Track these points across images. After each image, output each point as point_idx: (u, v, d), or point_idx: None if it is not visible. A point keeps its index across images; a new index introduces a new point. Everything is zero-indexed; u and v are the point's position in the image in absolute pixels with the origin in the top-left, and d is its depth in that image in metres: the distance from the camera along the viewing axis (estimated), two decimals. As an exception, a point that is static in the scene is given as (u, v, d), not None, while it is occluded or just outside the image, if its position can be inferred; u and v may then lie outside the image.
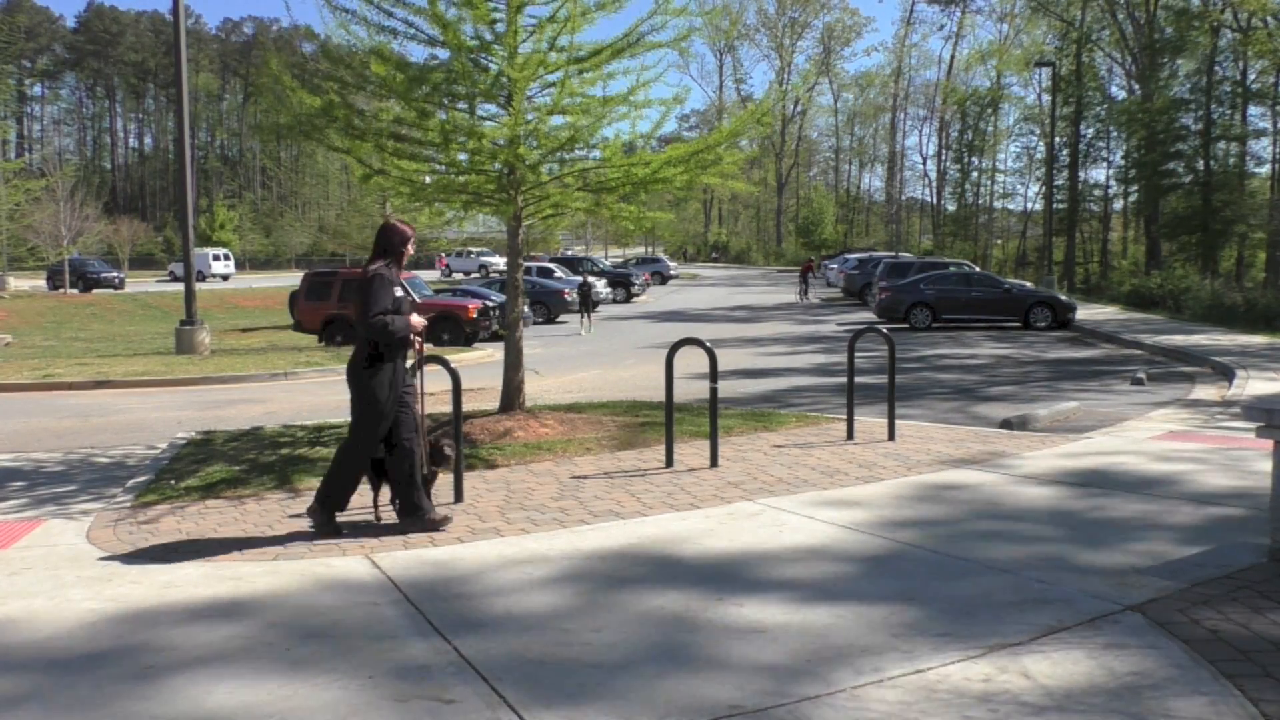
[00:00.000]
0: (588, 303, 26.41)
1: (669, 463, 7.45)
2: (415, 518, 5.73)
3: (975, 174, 69.67)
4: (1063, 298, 25.83)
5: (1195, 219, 41.26)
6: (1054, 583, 4.52)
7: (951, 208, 72.42)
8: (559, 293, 30.65)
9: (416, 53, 12.16)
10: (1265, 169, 45.89)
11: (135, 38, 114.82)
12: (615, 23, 9.00)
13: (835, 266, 44.85)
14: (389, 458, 5.77)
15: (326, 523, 5.72)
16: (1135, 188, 46.98)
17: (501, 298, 23.69)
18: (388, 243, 5.86)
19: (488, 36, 8.59)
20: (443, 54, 8.90)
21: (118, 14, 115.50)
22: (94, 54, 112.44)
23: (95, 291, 47.02)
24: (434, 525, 5.72)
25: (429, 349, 6.66)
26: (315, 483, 7.12)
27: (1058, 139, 47.36)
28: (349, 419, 5.82)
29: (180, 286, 24.61)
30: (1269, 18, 38.09)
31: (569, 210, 9.48)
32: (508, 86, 8.51)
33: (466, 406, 8.04)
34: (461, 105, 8.96)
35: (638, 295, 40.74)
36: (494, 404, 9.96)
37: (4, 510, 6.75)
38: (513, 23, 8.37)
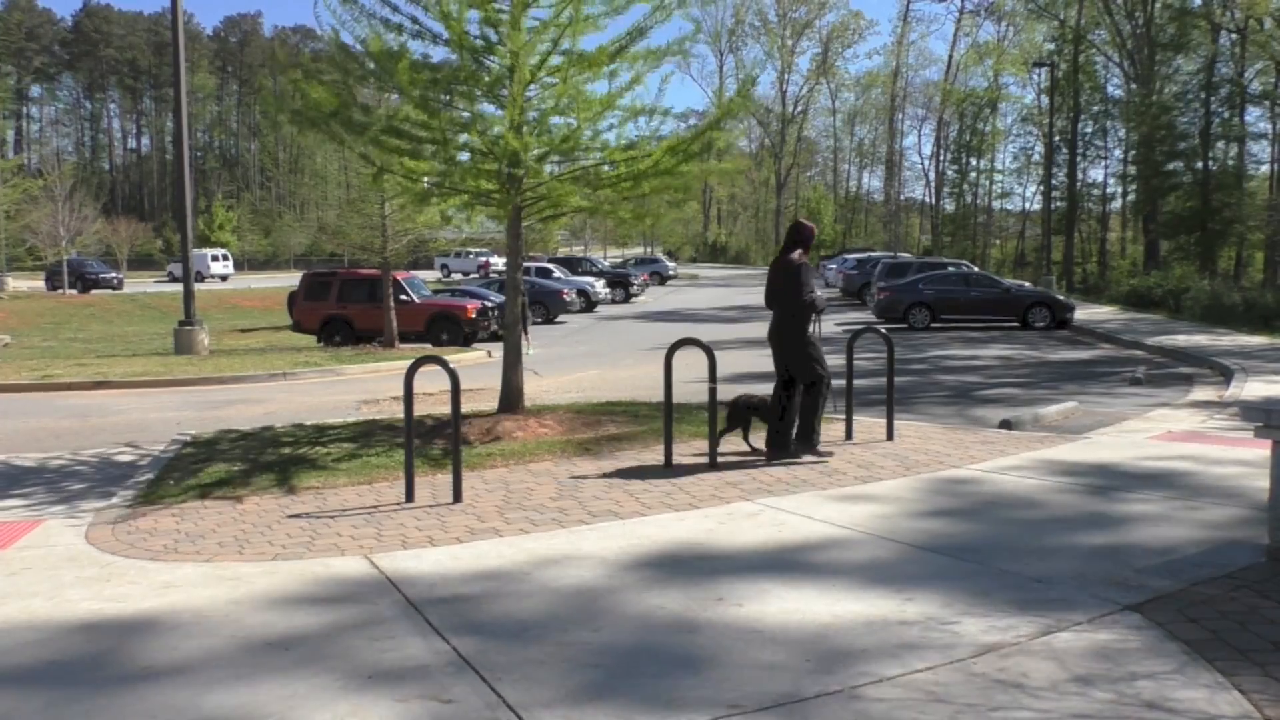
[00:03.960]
0: (527, 315, 22.45)
1: (667, 463, 7.45)
2: (808, 443, 7.50)
3: (974, 174, 69.71)
4: (1061, 298, 25.83)
5: (1194, 219, 41.27)
6: (1051, 581, 4.52)
7: (950, 208, 72.44)
8: (558, 293, 30.66)
9: (415, 49, 12.19)
10: (1264, 169, 45.96)
11: (131, 37, 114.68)
12: (619, 24, 9.02)
13: (834, 267, 44.84)
14: (805, 398, 7.50)
15: (814, 448, 7.48)
16: (1134, 186, 47.01)
17: (500, 298, 23.68)
18: (801, 238, 7.62)
19: (492, 36, 8.60)
20: (438, 52, 8.92)
21: (110, 14, 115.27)
22: (87, 54, 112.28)
23: (94, 292, 46.95)
24: (822, 455, 7.48)
25: (429, 349, 6.84)
26: (315, 482, 7.14)
27: (1055, 138, 47.39)
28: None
29: (179, 287, 24.61)
30: (1266, 19, 38.14)
31: (568, 209, 9.49)
32: (509, 85, 8.52)
33: (466, 407, 8.04)
34: (462, 104, 8.96)
35: (636, 295, 40.72)
36: (493, 404, 9.96)
37: (3, 510, 6.75)
38: (516, 23, 8.38)
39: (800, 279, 7.44)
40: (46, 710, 3.47)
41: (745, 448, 7.85)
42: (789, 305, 7.50)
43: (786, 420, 7.57)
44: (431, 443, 8.45)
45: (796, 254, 7.55)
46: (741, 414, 7.81)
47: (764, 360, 17.69)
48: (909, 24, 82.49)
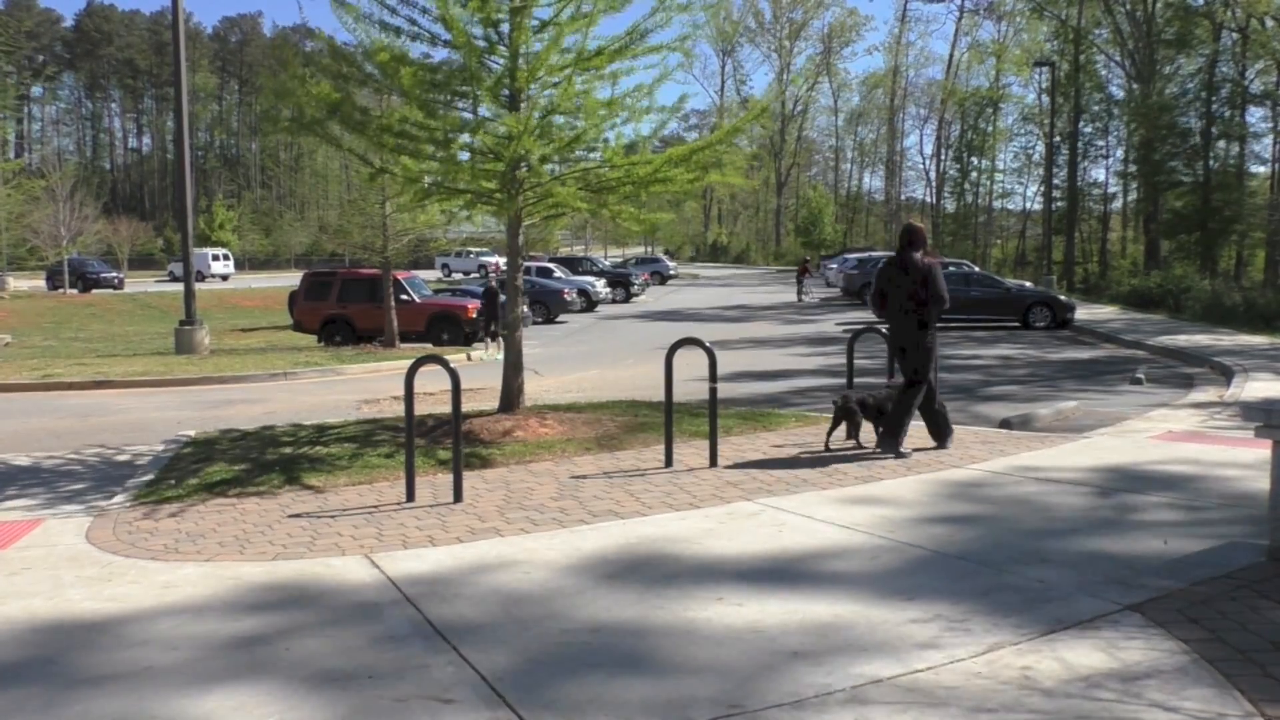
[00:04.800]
0: (493, 317, 21.01)
1: (668, 462, 7.45)
2: (893, 442, 7.61)
3: (975, 174, 69.68)
4: (1062, 298, 25.82)
5: (1194, 218, 41.27)
6: (1052, 582, 4.52)
7: (951, 207, 72.43)
8: (558, 292, 30.65)
9: (416, 51, 12.21)
10: (1264, 168, 45.95)
11: (131, 37, 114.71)
12: (619, 24, 9.03)
13: (835, 266, 44.82)
14: (903, 394, 7.72)
15: (897, 447, 7.58)
16: (1135, 186, 46.99)
17: (501, 297, 23.68)
18: (920, 238, 7.88)
19: (493, 37, 8.61)
20: (438, 53, 8.92)
21: (111, 13, 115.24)
22: (87, 54, 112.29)
23: (94, 292, 46.93)
24: (902, 454, 7.57)
25: (429, 349, 6.87)
26: (316, 482, 7.14)
27: (1056, 138, 47.38)
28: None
29: (179, 286, 24.60)
30: (1268, 18, 38.13)
31: (570, 210, 9.49)
32: (510, 86, 8.52)
33: (466, 406, 8.05)
34: (463, 104, 8.97)
35: (637, 295, 40.73)
36: (493, 404, 9.96)
37: (3, 510, 6.75)
38: (519, 24, 8.39)
39: (939, 278, 7.72)
40: (47, 709, 3.47)
41: (850, 442, 8.06)
42: (924, 304, 7.67)
43: (935, 411, 7.86)
44: (432, 442, 8.46)
45: (920, 254, 7.78)
46: (850, 414, 7.94)
47: (764, 359, 17.76)
48: (907, 24, 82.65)
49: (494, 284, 22.07)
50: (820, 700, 3.36)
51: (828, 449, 7.87)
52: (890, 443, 7.63)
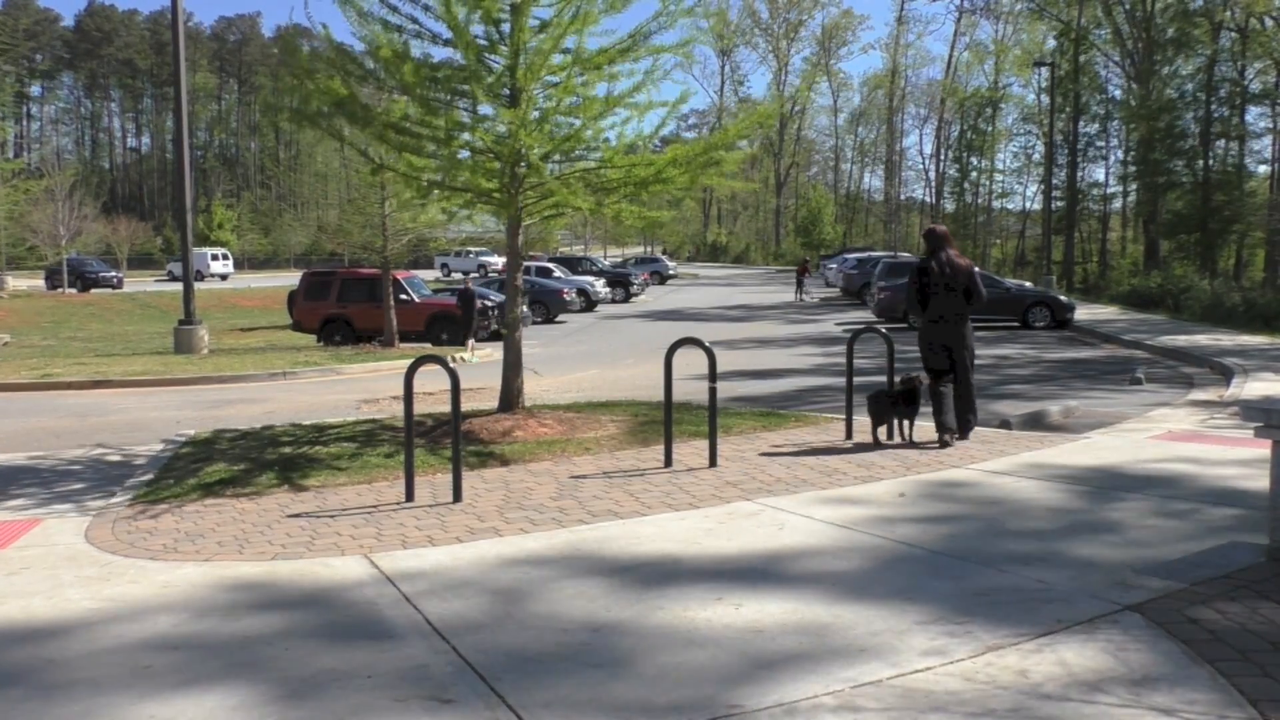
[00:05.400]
0: (471, 319, 20.66)
1: (668, 462, 7.44)
2: (967, 431, 8.17)
3: (974, 174, 69.71)
4: (1061, 298, 25.82)
5: (1194, 218, 41.30)
6: (1052, 582, 4.52)
7: (950, 207, 72.44)
8: (558, 292, 30.65)
9: (417, 50, 12.21)
10: (1264, 168, 45.99)
11: (132, 36, 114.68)
12: (618, 22, 9.04)
13: (834, 266, 44.85)
14: (961, 385, 8.18)
15: (966, 433, 8.15)
16: (1135, 185, 47.01)
17: (501, 297, 23.68)
18: (949, 239, 8.39)
19: (494, 35, 8.61)
20: (440, 52, 8.92)
21: (112, 13, 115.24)
22: (87, 53, 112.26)
23: (94, 291, 46.96)
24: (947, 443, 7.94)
25: (429, 349, 6.88)
26: (315, 481, 7.13)
27: (1056, 138, 47.39)
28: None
29: (178, 286, 24.59)
30: (1267, 18, 38.15)
31: (570, 209, 9.48)
32: (511, 84, 8.52)
33: (465, 406, 8.04)
34: (464, 104, 8.97)
35: (637, 295, 40.72)
36: (493, 403, 9.96)
37: (2, 510, 6.74)
38: (519, 23, 8.39)
39: (978, 277, 8.29)
40: (45, 709, 3.47)
41: (894, 438, 8.18)
42: (967, 301, 8.20)
43: (963, 404, 8.18)
44: (432, 442, 8.45)
45: (954, 253, 8.27)
46: (884, 407, 8.11)
47: (763, 359, 17.76)
48: (905, 24, 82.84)
49: (470, 287, 21.90)
50: (819, 701, 3.36)
51: (880, 442, 8.05)
52: (966, 432, 8.14)
